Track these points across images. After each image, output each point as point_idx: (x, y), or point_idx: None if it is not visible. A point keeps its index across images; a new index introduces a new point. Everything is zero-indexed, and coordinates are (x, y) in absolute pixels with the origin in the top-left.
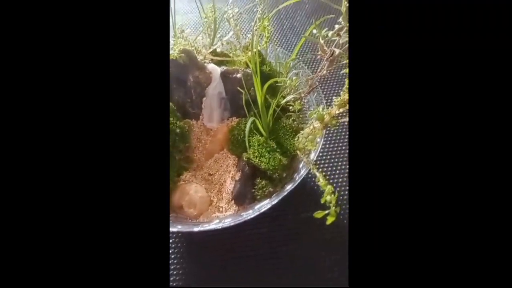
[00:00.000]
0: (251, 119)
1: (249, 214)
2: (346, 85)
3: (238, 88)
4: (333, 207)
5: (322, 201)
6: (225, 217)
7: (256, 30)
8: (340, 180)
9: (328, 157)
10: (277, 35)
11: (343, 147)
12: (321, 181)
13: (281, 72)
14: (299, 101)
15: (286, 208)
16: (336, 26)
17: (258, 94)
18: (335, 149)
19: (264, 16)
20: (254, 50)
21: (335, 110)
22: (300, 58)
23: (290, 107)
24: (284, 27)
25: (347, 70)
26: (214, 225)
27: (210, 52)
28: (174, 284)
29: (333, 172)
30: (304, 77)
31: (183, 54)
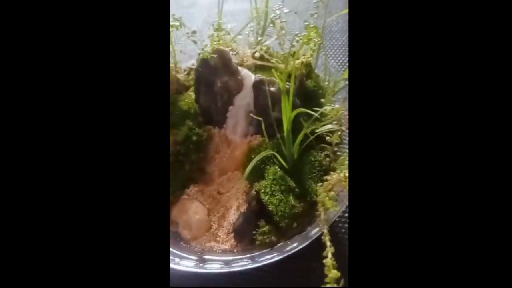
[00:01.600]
0: (273, 168)
1: (241, 264)
2: None
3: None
4: None
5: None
6: (216, 252)
7: (299, 40)
8: None
9: None
10: (330, 46)
11: None
12: (328, 260)
13: (327, 90)
14: (339, 133)
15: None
16: None
17: (285, 117)
18: None
19: (312, 25)
20: (289, 65)
21: None
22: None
23: (327, 137)
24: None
25: None
26: (192, 267)
27: (252, 54)
28: None
29: None
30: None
31: (215, 55)
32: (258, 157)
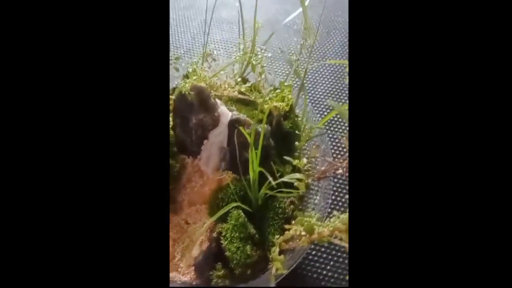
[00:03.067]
0: (236, 213)
1: None
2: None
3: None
4: None
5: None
6: (176, 283)
7: (271, 97)
8: None
9: None
10: (313, 90)
11: None
12: None
13: (302, 134)
14: (305, 181)
15: None
16: None
17: (251, 167)
18: None
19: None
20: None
21: (328, 230)
22: (328, 128)
23: (295, 183)
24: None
25: None
26: None
27: (234, 88)
28: None
29: None
30: (322, 155)
31: (192, 92)
32: (224, 209)
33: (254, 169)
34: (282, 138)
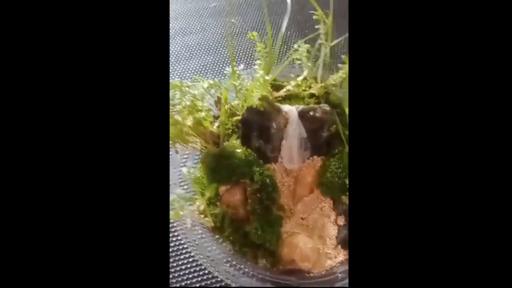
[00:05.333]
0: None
1: None
2: None
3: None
4: None
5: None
6: (336, 267)
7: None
8: None
9: None
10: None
11: None
12: None
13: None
14: None
15: None
16: None
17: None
18: None
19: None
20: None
21: None
22: None
23: None
24: None
25: None
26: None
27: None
28: None
29: None
30: None
31: (263, 102)
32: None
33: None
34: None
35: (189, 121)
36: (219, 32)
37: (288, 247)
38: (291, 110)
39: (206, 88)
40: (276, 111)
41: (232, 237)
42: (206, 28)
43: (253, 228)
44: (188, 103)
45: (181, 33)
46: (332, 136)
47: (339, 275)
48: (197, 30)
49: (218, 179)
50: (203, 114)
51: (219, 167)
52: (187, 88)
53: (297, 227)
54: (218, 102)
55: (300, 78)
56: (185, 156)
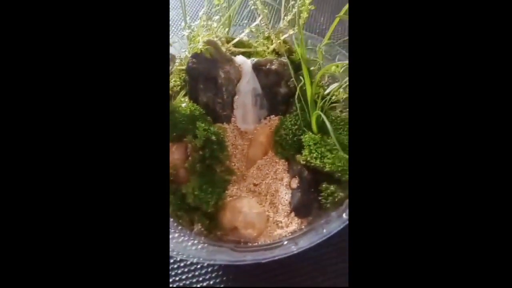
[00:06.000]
0: (308, 135)
1: (332, 227)
2: None
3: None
4: None
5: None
6: (292, 235)
7: (299, 8)
8: None
9: None
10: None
11: None
12: None
13: (313, 59)
14: (343, 89)
15: None
16: None
17: (308, 84)
18: None
19: None
20: (297, 28)
21: None
22: (334, 42)
23: (333, 97)
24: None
25: None
26: (287, 249)
27: (232, 43)
28: None
29: None
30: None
31: (209, 46)
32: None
33: (310, 82)
34: (296, 70)
35: None
36: None
37: (231, 211)
38: (244, 61)
39: None
40: (225, 59)
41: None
42: None
43: (190, 188)
44: None
45: None
46: (291, 93)
47: (285, 243)
48: None
49: None
50: None
51: None
52: None
53: (247, 193)
54: (171, 60)
55: (253, 25)
56: None
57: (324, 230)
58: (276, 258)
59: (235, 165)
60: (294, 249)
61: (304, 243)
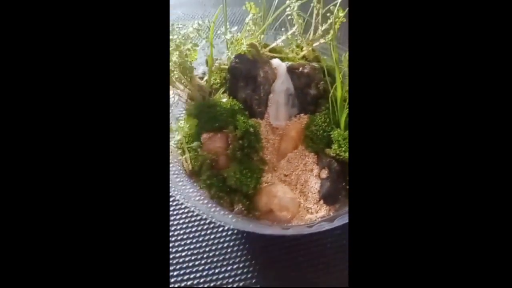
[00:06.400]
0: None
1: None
2: None
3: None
4: None
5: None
6: (322, 219)
7: (334, 20)
8: None
9: None
10: None
11: None
12: None
13: (341, 66)
14: None
15: None
16: None
17: (339, 86)
18: None
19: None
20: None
21: None
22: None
23: None
24: None
25: None
26: (319, 226)
27: (268, 49)
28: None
29: None
30: None
31: (252, 49)
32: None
33: (340, 90)
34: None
35: (175, 57)
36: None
37: (267, 195)
38: (280, 64)
39: (195, 29)
40: (263, 61)
41: (210, 181)
42: None
43: (231, 172)
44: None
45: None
46: (320, 95)
47: (316, 225)
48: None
49: (200, 127)
50: (189, 46)
51: (202, 115)
52: (177, 28)
53: (279, 184)
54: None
55: (289, 33)
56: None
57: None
58: (314, 232)
59: (267, 157)
60: (327, 226)
61: (334, 225)
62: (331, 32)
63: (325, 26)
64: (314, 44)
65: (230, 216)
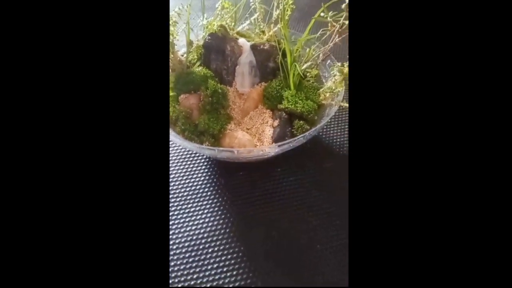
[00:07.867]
0: (287, 92)
1: (286, 146)
2: None
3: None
4: None
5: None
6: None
7: (285, 5)
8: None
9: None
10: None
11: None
12: None
13: (293, 41)
14: (315, 67)
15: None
16: (344, 5)
17: (289, 56)
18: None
19: None
20: (283, 22)
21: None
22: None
23: (308, 74)
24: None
25: None
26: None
27: (236, 32)
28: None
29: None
30: (317, 49)
31: (221, 28)
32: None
33: (291, 55)
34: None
35: None
36: None
37: (229, 137)
38: (244, 42)
39: (176, 12)
40: (232, 39)
41: (184, 126)
42: None
43: (201, 119)
44: None
45: None
46: (277, 67)
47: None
48: None
49: (179, 89)
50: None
51: (180, 81)
52: None
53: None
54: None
55: (252, 18)
56: None
57: (291, 145)
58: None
59: (233, 115)
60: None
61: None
62: (286, 17)
63: (278, 11)
64: (274, 29)
65: (198, 146)
